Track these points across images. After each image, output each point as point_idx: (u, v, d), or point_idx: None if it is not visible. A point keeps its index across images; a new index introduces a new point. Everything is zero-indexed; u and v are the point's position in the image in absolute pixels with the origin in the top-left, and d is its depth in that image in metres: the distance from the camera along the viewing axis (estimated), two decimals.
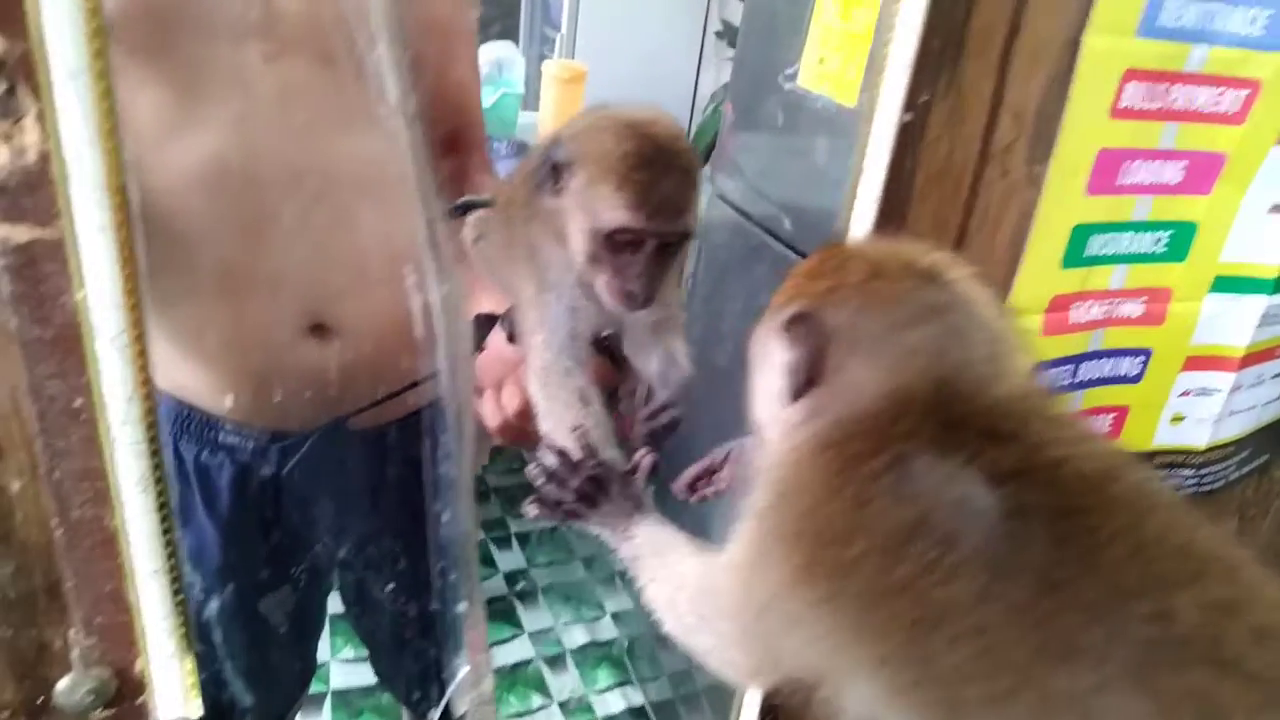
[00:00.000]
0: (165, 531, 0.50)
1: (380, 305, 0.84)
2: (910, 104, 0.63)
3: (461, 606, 0.58)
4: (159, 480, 0.49)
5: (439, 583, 0.58)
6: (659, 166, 0.71)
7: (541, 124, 2.44)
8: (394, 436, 1.00)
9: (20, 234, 0.43)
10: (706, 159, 3.39)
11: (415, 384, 0.92)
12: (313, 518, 1.00)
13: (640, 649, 2.07)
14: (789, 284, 0.56)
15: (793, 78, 1.66)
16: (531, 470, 0.69)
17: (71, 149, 0.42)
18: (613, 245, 0.73)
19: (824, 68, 1.65)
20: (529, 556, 2.40)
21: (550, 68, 2.40)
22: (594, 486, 0.68)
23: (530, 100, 2.86)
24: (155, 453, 0.48)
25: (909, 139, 0.68)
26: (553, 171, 0.75)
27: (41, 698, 0.55)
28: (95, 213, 0.44)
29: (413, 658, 1.11)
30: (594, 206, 0.72)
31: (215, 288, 0.82)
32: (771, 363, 0.53)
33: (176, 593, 0.52)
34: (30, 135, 0.42)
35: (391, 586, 1.07)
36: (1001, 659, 0.42)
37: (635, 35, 3.46)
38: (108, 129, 0.42)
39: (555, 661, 2.11)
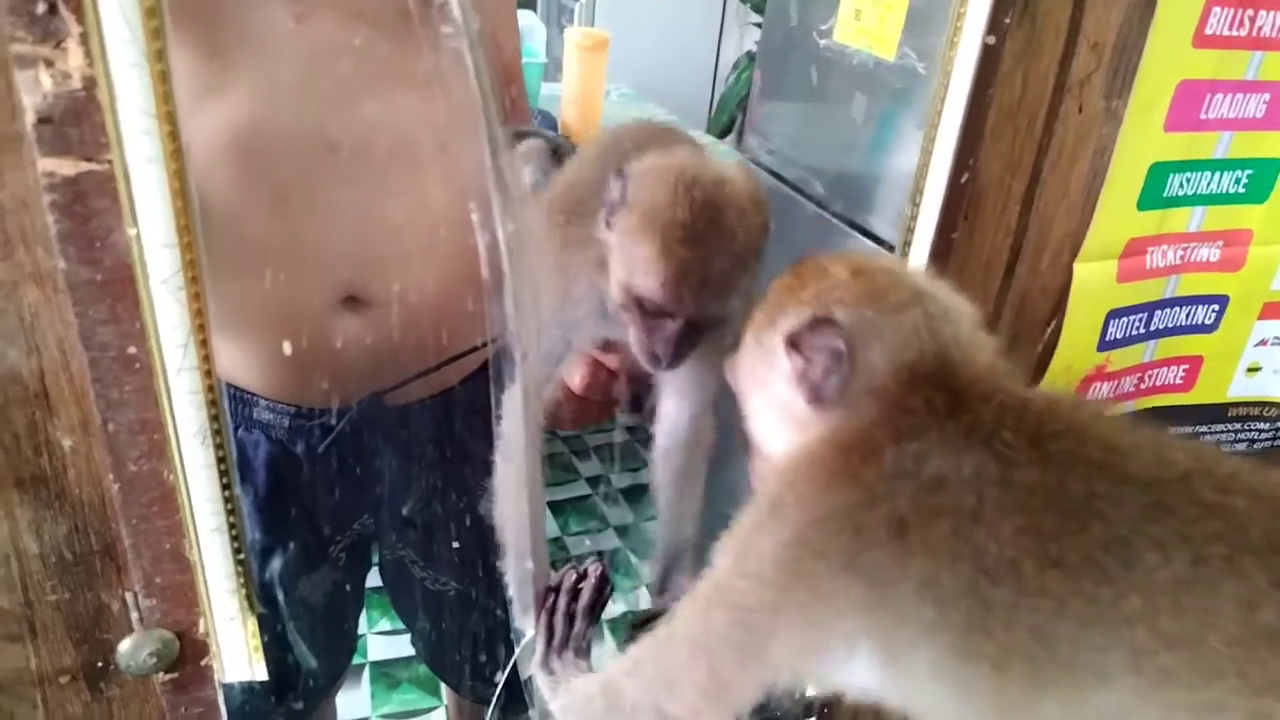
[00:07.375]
0: (225, 486, 0.48)
1: (416, 276, 0.81)
2: (993, 27, 0.59)
3: (528, 565, 0.55)
4: (218, 432, 0.46)
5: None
6: (708, 244, 0.64)
7: (565, 93, 2.39)
8: (432, 411, 0.97)
9: (67, 167, 0.41)
10: (730, 127, 3.34)
11: (454, 358, 0.89)
12: (350, 495, 0.98)
13: None
14: (770, 299, 0.56)
15: (828, 34, 1.61)
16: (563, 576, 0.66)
17: (119, 72, 0.39)
18: (642, 307, 0.67)
19: (860, 22, 1.60)
20: (562, 525, 2.38)
21: (573, 35, 2.34)
22: (575, 621, 0.65)
23: (552, 71, 2.80)
24: (214, 402, 0.46)
25: (986, 69, 0.64)
26: (610, 204, 0.68)
27: (102, 661, 0.53)
28: (145, 142, 0.41)
29: (457, 637, 1.09)
30: (632, 262, 0.66)
31: (245, 259, 0.78)
32: (777, 376, 0.54)
33: (237, 551, 0.50)
34: (74, 59, 0.39)
35: (431, 563, 1.05)
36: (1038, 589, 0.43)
37: (656, 2, 3.39)
38: (156, 49, 0.39)
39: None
